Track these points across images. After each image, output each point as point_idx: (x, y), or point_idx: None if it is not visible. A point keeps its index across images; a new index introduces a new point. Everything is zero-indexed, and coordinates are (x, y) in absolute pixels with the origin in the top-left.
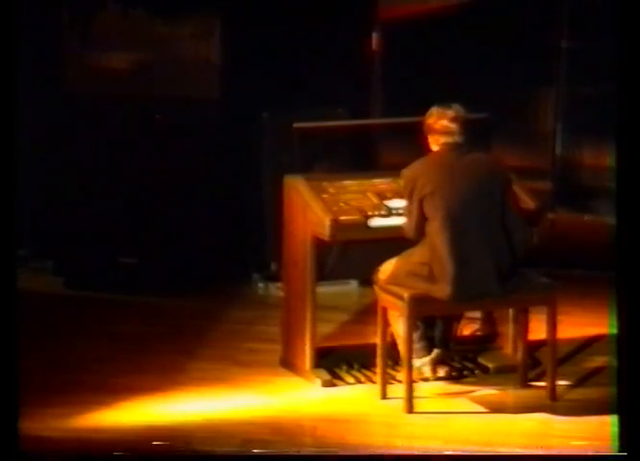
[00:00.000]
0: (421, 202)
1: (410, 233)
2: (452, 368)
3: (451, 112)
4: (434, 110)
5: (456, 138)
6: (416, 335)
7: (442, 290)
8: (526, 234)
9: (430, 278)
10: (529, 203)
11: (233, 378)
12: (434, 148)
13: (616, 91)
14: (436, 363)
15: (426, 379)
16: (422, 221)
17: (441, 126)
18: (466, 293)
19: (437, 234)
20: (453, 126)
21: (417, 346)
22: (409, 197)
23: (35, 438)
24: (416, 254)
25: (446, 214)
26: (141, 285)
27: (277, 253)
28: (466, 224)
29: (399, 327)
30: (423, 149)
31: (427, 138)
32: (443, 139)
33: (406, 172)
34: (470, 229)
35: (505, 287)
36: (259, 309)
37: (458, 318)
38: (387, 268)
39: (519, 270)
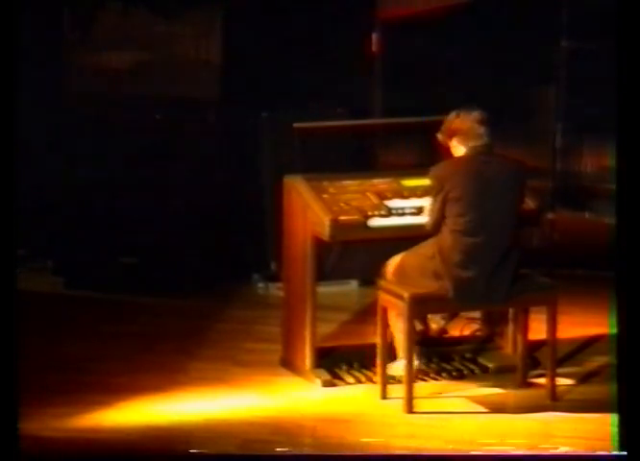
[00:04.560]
0: (444, 203)
1: (431, 230)
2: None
3: (477, 114)
4: (459, 113)
5: (485, 140)
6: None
7: (446, 290)
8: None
9: (436, 274)
10: (528, 203)
11: (233, 378)
12: (459, 150)
13: (616, 91)
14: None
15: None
16: (442, 219)
17: (469, 128)
18: (470, 297)
19: (449, 235)
20: (481, 127)
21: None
22: (435, 196)
23: (35, 438)
24: (424, 247)
25: (465, 222)
26: (141, 285)
27: (277, 253)
28: (482, 232)
29: (397, 327)
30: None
31: (445, 141)
32: (471, 142)
33: (436, 171)
34: (485, 236)
35: (512, 292)
36: (259, 309)
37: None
38: (394, 262)
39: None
